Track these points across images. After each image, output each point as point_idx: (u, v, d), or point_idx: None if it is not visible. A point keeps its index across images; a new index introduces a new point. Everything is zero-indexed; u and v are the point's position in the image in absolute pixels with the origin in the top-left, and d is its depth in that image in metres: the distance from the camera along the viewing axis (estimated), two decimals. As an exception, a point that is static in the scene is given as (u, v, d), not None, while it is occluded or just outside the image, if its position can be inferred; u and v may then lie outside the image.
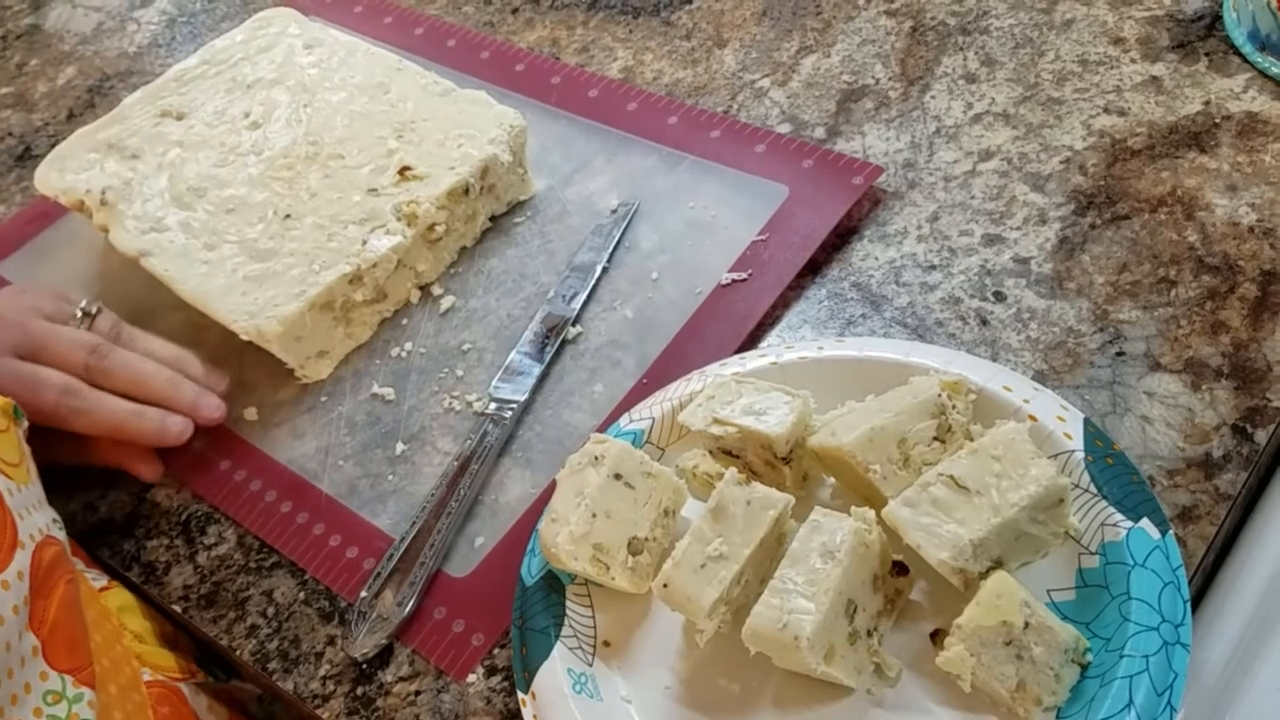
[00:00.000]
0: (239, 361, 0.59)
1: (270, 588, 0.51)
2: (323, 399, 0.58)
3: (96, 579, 0.52)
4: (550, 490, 0.47)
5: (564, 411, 0.54)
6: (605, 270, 0.59)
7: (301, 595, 0.50)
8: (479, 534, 0.51)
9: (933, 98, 0.62)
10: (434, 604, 0.48)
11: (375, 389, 0.57)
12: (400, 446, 0.54)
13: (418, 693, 0.46)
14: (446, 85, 0.65)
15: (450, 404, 0.56)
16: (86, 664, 0.44)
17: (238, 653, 0.49)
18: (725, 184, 0.60)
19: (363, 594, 0.48)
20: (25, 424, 0.48)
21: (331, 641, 0.48)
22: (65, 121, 0.79)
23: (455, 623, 0.48)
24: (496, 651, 0.47)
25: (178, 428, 0.54)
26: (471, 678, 0.46)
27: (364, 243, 0.57)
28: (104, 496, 0.56)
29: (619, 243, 0.60)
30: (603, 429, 0.52)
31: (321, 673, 0.48)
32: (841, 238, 0.57)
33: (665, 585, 0.42)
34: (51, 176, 0.64)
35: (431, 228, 0.59)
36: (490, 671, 0.46)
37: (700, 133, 0.63)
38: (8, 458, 0.45)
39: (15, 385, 0.50)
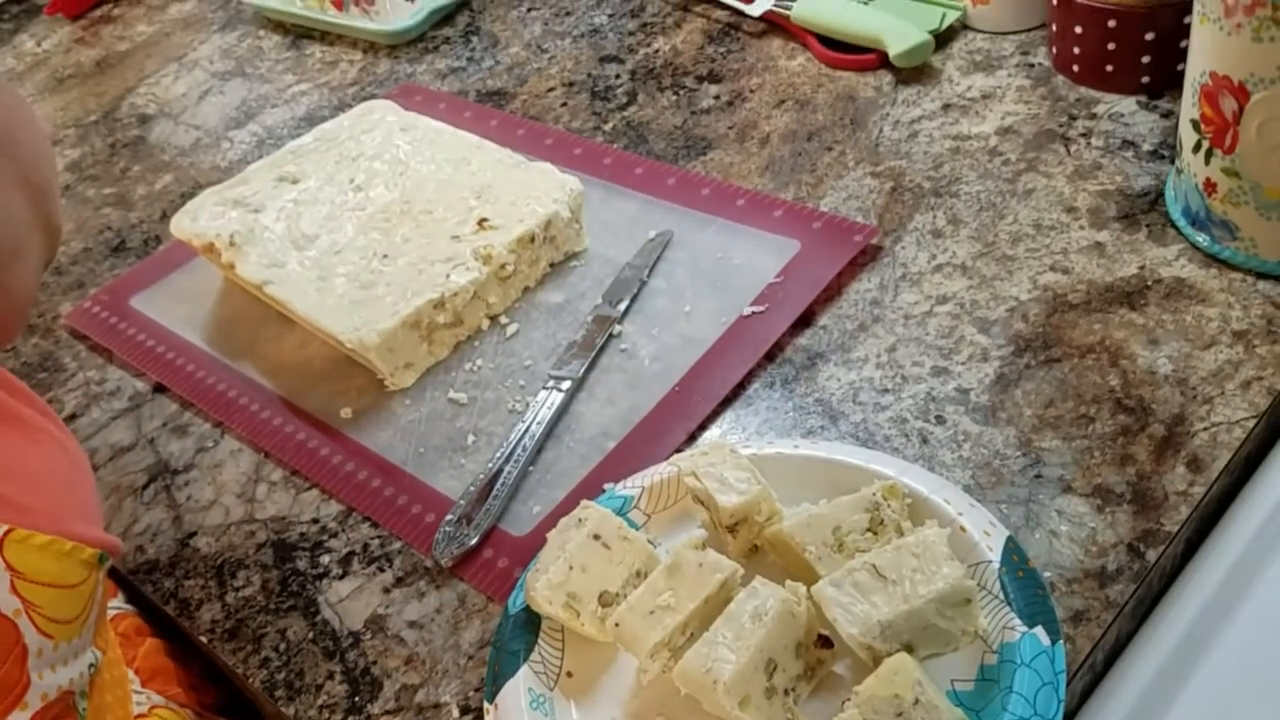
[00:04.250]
0: (339, 371, 0.72)
1: (284, 627, 0.58)
2: (407, 403, 0.69)
3: (140, 705, 0.55)
4: (592, 477, 0.61)
5: (608, 409, 0.66)
6: (645, 290, 0.72)
7: (310, 635, 0.58)
8: (536, 504, 0.61)
9: (903, 248, 0.70)
10: (492, 551, 0.59)
11: (451, 394, 0.69)
12: (470, 438, 0.66)
13: (399, 723, 0.53)
14: (519, 158, 0.79)
15: (513, 406, 0.67)
16: None
17: (250, 680, 0.56)
18: (748, 239, 0.73)
19: (448, 518, 0.60)
20: (109, 564, 0.47)
21: (330, 676, 0.56)
22: (158, 220, 0.91)
23: (500, 559, 0.59)
24: (471, 694, 0.54)
25: None
26: (449, 713, 0.53)
27: (447, 276, 0.70)
28: (152, 541, 0.65)
29: (654, 274, 0.73)
30: (631, 437, 0.63)
31: (319, 701, 0.55)
32: (811, 360, 0.65)
33: (617, 624, 0.49)
34: (185, 223, 0.78)
35: (502, 267, 0.72)
36: (463, 710, 0.53)
37: (728, 201, 0.76)
38: (60, 615, 0.43)
39: None
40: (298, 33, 1.09)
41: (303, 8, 1.07)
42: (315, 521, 0.63)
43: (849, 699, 0.47)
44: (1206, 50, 0.59)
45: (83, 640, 0.46)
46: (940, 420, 0.60)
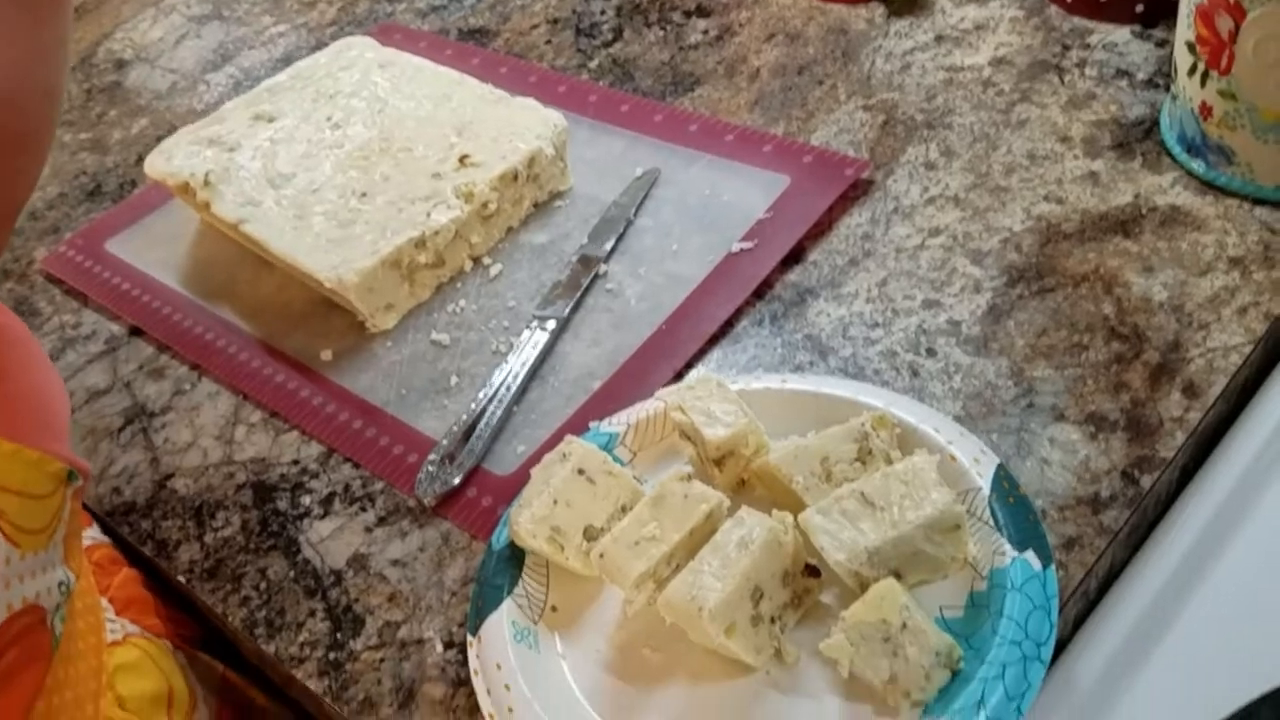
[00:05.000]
0: (318, 313, 0.70)
1: (265, 566, 0.57)
2: (388, 345, 0.68)
3: (114, 632, 0.55)
4: (576, 417, 0.60)
5: (593, 349, 0.64)
6: (631, 229, 0.70)
7: (291, 574, 0.57)
8: (520, 443, 0.60)
9: (894, 181, 0.69)
10: (476, 490, 0.58)
11: (433, 336, 0.68)
12: (453, 379, 0.65)
13: (382, 660, 0.52)
14: (501, 94, 0.77)
15: (497, 347, 0.66)
16: None
17: (230, 619, 0.55)
18: (736, 175, 0.72)
19: (430, 457, 0.59)
20: (78, 484, 0.47)
21: (312, 614, 0.55)
22: (134, 165, 0.89)
23: (484, 498, 0.58)
24: (454, 630, 0.53)
25: None
26: (432, 648, 0.52)
27: (428, 215, 0.68)
28: (129, 482, 0.63)
29: (641, 213, 0.71)
30: (617, 376, 0.62)
31: (300, 639, 0.54)
32: (801, 296, 0.64)
33: (601, 555, 0.48)
34: (159, 163, 0.76)
35: (485, 205, 0.70)
36: (447, 645, 0.52)
37: (716, 138, 0.75)
38: (27, 524, 0.43)
39: None
40: (275, -26, 1.07)
41: (280, -52, 1.04)
42: (295, 463, 0.62)
43: (836, 626, 0.47)
44: (1204, -33, 0.57)
45: (50, 555, 0.45)
46: (931, 353, 0.59)
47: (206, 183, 0.72)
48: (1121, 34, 0.74)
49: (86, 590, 0.53)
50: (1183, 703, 0.45)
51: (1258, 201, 0.61)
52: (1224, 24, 0.57)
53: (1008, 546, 0.47)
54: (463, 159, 0.71)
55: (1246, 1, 0.56)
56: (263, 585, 0.56)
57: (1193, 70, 0.61)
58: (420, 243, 0.68)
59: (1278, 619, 0.47)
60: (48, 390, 0.47)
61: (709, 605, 0.45)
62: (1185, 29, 0.61)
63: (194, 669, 0.58)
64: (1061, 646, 0.49)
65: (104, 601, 0.56)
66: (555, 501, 0.51)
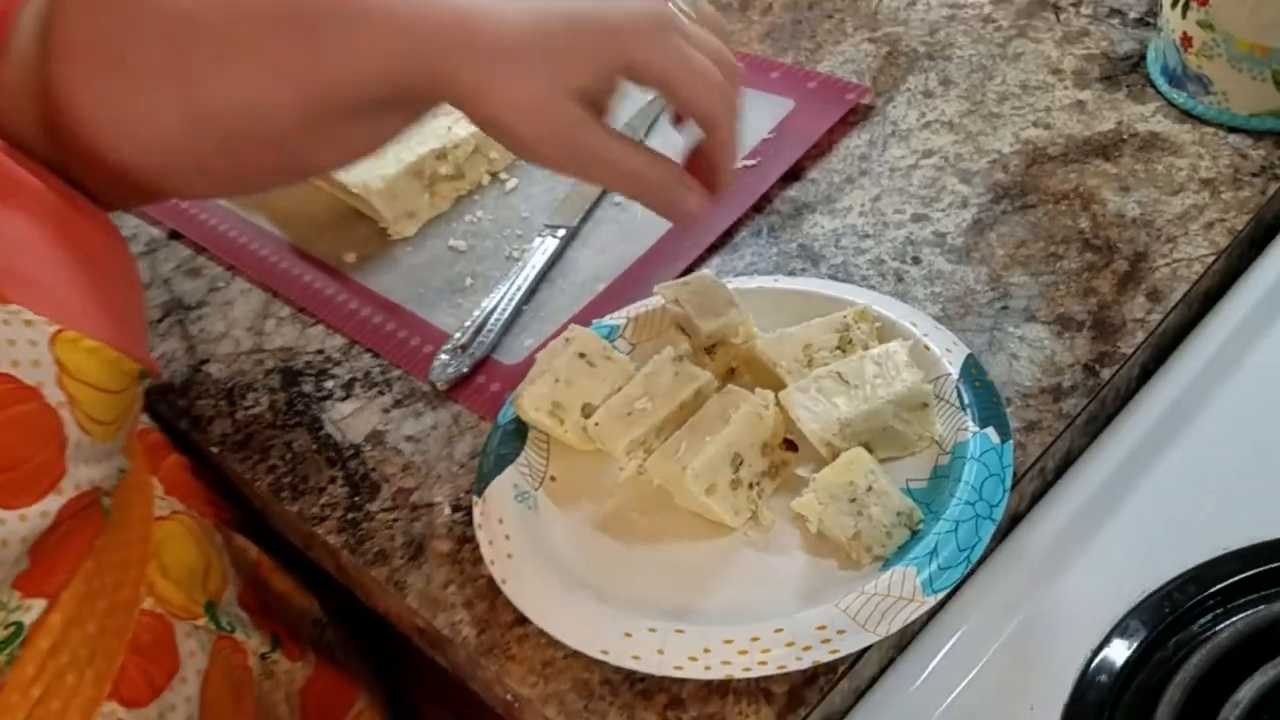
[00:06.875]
0: (344, 221, 0.75)
1: (290, 440, 0.62)
2: (408, 250, 0.73)
3: (161, 509, 0.58)
4: (581, 314, 0.64)
5: (600, 256, 0.69)
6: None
7: (314, 446, 0.61)
8: (528, 337, 0.65)
9: (894, 107, 0.72)
10: (485, 377, 0.63)
11: (451, 242, 0.72)
12: (468, 280, 0.69)
13: (395, 520, 0.57)
14: None
15: (510, 253, 0.70)
16: (53, 592, 0.47)
17: (257, 484, 0.60)
18: (744, 99, 0.74)
19: (444, 347, 0.64)
20: (146, 383, 0.50)
21: (332, 480, 0.59)
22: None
23: (492, 384, 0.63)
24: (461, 496, 0.57)
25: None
26: (441, 510, 0.57)
27: (449, 129, 0.73)
28: (167, 366, 0.68)
29: (651, 134, 0.75)
30: (621, 279, 0.67)
31: (321, 501, 0.59)
32: (798, 210, 0.68)
33: (596, 424, 0.52)
34: None
35: None
36: (454, 509, 0.57)
37: None
38: (100, 416, 0.47)
39: None
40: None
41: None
42: (320, 352, 0.67)
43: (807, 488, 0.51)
44: (1186, -100, 0.60)
45: (116, 445, 0.49)
46: (916, 261, 0.63)
47: None
48: (1118, -24, 0.77)
49: (138, 470, 0.57)
50: (1123, 571, 0.49)
51: (1231, 129, 0.65)
52: (1203, -45, 0.60)
53: (970, 423, 0.51)
54: None
55: (1224, -67, 0.59)
56: (288, 456, 0.61)
57: (1175, 3, 0.64)
58: (441, 154, 0.72)
59: (1216, 505, 0.51)
60: (131, 294, 0.51)
61: (693, 465, 0.49)
62: (1170, -38, 0.64)
63: (229, 550, 0.62)
64: (1018, 519, 0.53)
65: (154, 480, 0.61)
66: (557, 380, 0.55)
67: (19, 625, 0.46)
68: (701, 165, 0.50)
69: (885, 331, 0.56)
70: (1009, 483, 0.49)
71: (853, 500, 0.48)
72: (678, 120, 0.51)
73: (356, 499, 0.58)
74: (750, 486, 0.51)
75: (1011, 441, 0.50)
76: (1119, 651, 0.47)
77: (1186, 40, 0.64)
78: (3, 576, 0.45)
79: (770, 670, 0.45)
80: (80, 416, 0.46)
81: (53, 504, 0.45)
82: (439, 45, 0.44)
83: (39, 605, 0.47)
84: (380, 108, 0.46)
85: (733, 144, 0.50)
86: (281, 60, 0.44)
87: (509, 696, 0.50)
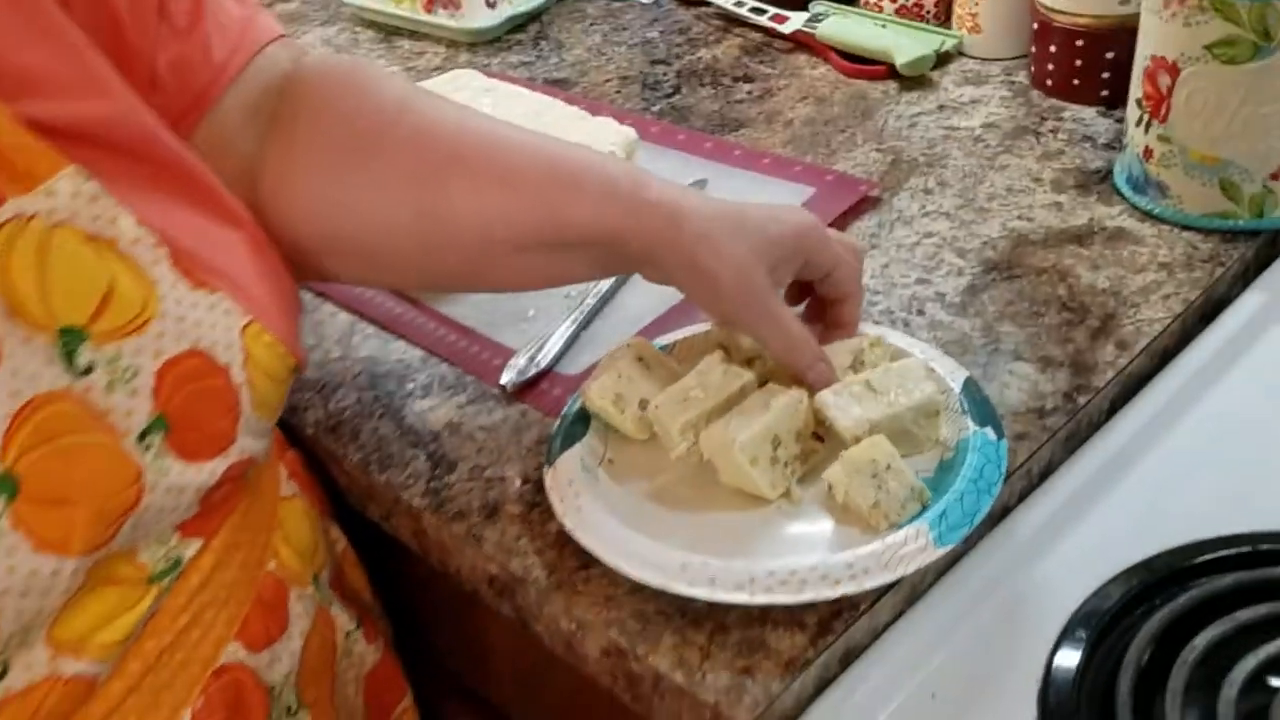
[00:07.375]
0: None
1: (376, 427, 0.71)
2: None
3: (286, 491, 0.67)
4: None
5: (647, 298, 0.78)
6: None
7: (398, 432, 0.70)
8: (586, 355, 0.74)
9: (898, 200, 0.85)
10: (548, 384, 0.72)
11: None
12: (531, 311, 0.79)
13: (471, 488, 0.65)
14: (584, 113, 0.93)
15: (569, 293, 0.79)
16: (207, 538, 0.56)
17: (346, 461, 0.69)
18: (771, 187, 0.88)
19: (512, 359, 0.73)
20: (296, 376, 0.61)
21: (415, 458, 0.68)
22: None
23: (555, 390, 0.72)
24: (530, 472, 0.66)
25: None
26: (512, 483, 0.65)
27: None
28: (263, 368, 0.78)
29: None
30: (662, 319, 0.76)
31: (405, 474, 0.67)
32: (818, 273, 0.79)
33: (656, 407, 0.62)
34: None
35: None
36: (524, 481, 0.66)
37: (755, 160, 0.92)
38: (265, 399, 0.56)
39: None
40: (389, 30, 1.26)
41: (395, 8, 1.24)
42: (401, 361, 0.77)
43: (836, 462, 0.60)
44: (1149, 37, 0.75)
45: (270, 425, 0.59)
46: (920, 313, 0.74)
47: None
48: (1089, 112, 0.92)
49: (272, 454, 0.67)
50: (1098, 553, 0.59)
51: (1185, 227, 0.78)
52: (1163, 81, 0.75)
53: (971, 424, 0.61)
54: None
55: (1181, 62, 0.73)
56: (375, 439, 0.70)
57: (1139, 121, 0.78)
58: None
59: (1169, 510, 0.61)
60: (296, 303, 0.62)
61: (740, 438, 0.59)
62: (1136, 88, 0.78)
63: (327, 537, 0.71)
64: (1007, 512, 0.62)
65: (280, 466, 0.69)
66: (620, 375, 0.65)
67: (179, 559, 0.55)
68: (825, 318, 0.66)
69: (896, 356, 0.66)
70: (1004, 468, 0.59)
71: (874, 475, 0.58)
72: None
73: (436, 472, 0.67)
74: (785, 465, 0.61)
75: (1006, 440, 0.60)
76: (1096, 607, 0.56)
77: (1148, 153, 0.78)
78: (176, 520, 0.54)
79: (806, 598, 0.54)
80: (254, 397, 0.56)
81: (220, 465, 0.55)
82: (668, 212, 0.58)
83: (195, 545, 0.56)
84: (584, 248, 0.60)
85: (860, 310, 0.66)
86: (539, 194, 0.59)
87: (573, 626, 0.58)
